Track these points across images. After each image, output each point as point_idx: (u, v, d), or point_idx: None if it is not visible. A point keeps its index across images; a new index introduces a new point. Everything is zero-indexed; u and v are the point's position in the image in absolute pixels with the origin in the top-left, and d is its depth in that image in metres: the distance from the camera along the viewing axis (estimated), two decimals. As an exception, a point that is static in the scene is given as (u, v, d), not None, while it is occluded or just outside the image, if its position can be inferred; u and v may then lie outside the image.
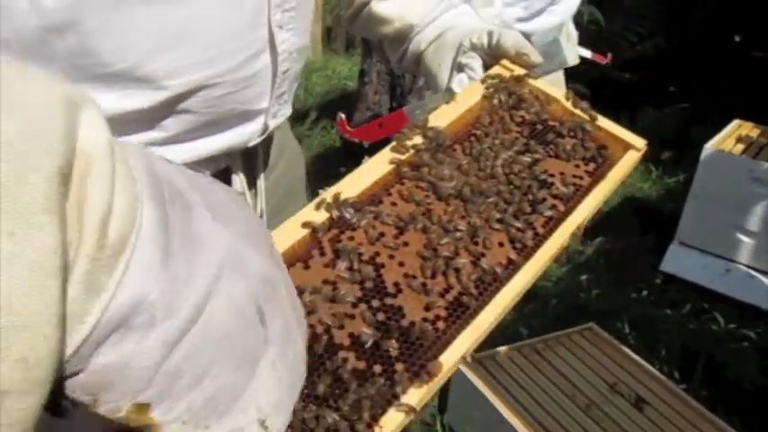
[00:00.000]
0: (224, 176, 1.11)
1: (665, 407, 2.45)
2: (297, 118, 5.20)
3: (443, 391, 2.63)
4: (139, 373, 0.46)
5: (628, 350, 2.69)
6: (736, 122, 3.82)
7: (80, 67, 0.82)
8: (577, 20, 4.92)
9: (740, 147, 3.57)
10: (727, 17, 4.76)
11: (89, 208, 0.43)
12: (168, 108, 0.91)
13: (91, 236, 0.43)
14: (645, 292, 3.35)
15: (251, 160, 1.17)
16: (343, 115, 1.39)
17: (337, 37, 6.88)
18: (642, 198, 4.10)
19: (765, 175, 3.30)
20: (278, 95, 1.05)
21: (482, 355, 2.59)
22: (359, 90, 4.59)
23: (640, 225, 3.86)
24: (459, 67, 1.26)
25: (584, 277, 3.36)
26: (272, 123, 1.08)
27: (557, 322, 2.96)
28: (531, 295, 3.27)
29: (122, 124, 0.89)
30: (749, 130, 3.76)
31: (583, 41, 4.93)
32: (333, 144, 4.81)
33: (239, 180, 1.13)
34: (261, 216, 1.20)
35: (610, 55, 2.75)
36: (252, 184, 1.19)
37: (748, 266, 3.41)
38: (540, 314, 3.12)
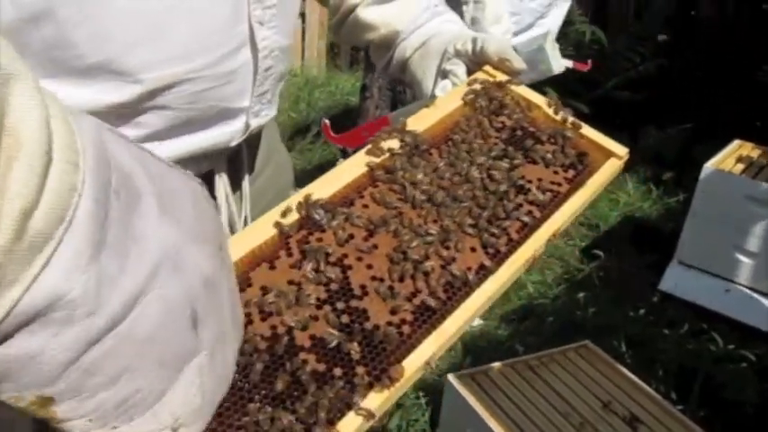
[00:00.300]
0: (207, 179, 1.10)
1: (660, 426, 2.40)
2: (298, 132, 5.21)
3: (435, 408, 2.60)
4: (48, 367, 0.45)
5: (623, 368, 2.65)
6: (736, 142, 3.80)
7: (57, 60, 0.81)
8: (580, 39, 4.95)
9: (740, 166, 3.54)
10: (731, 41, 4.77)
11: (10, 197, 0.41)
12: (146, 103, 0.90)
13: (7, 227, 0.41)
14: (642, 311, 3.31)
15: (236, 164, 1.16)
16: (327, 121, 1.38)
17: (341, 53, 6.91)
18: (642, 217, 4.07)
19: (765, 196, 3.28)
20: (259, 94, 1.04)
21: (475, 371, 2.55)
22: (360, 104, 4.60)
23: (640, 244, 3.83)
24: (443, 74, 1.25)
25: (581, 295, 3.33)
26: (254, 123, 1.06)
27: (553, 340, 2.92)
28: (528, 312, 3.24)
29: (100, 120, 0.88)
30: (749, 150, 3.74)
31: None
32: (333, 158, 4.82)
33: (222, 183, 1.12)
34: (246, 222, 1.19)
35: (590, 61, 2.75)
36: (237, 188, 1.18)
37: (747, 287, 3.37)
38: (536, 331, 3.09)
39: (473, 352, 2.97)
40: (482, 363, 2.55)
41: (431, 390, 2.73)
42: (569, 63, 2.53)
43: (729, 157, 3.63)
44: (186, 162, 1.01)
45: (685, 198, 4.07)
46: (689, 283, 3.47)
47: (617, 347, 3.01)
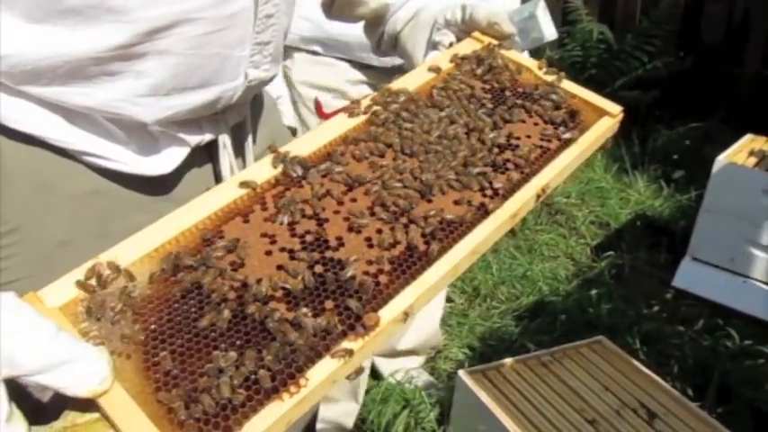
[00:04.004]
0: (212, 152, 1.07)
1: (677, 422, 2.34)
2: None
3: (446, 404, 2.54)
4: None
5: (638, 364, 2.58)
6: (748, 136, 3.73)
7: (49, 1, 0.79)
8: (587, 38, 4.91)
9: (753, 160, 3.47)
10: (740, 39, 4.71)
11: None
12: (146, 45, 0.86)
13: None
14: (656, 308, 3.24)
15: (240, 137, 1.13)
16: (320, 99, 1.36)
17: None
18: (653, 215, 4.00)
19: (779, 189, 3.21)
20: (259, 42, 1.00)
21: (486, 367, 2.50)
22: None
23: (652, 242, 3.76)
24: (433, 45, 1.23)
25: (593, 292, 3.26)
26: (254, 74, 1.02)
27: (565, 337, 2.86)
28: (539, 310, 3.18)
29: (105, 71, 0.86)
30: (762, 143, 3.67)
31: (593, 60, 4.90)
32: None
33: (227, 155, 1.08)
34: None
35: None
36: (242, 165, 1.14)
37: (763, 282, 3.29)
38: (547, 329, 3.03)
39: (483, 349, 2.92)
40: (492, 360, 2.50)
41: (438, 388, 2.68)
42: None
43: (742, 151, 3.57)
44: (189, 127, 0.99)
45: (697, 196, 4.00)
46: (703, 279, 3.40)
47: (631, 344, 2.94)
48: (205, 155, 1.07)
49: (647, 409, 2.39)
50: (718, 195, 3.38)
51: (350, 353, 0.69)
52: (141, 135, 0.94)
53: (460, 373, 2.40)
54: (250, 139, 1.14)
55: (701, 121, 4.73)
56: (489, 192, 0.88)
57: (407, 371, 2.64)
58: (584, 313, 3.16)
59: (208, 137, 1.03)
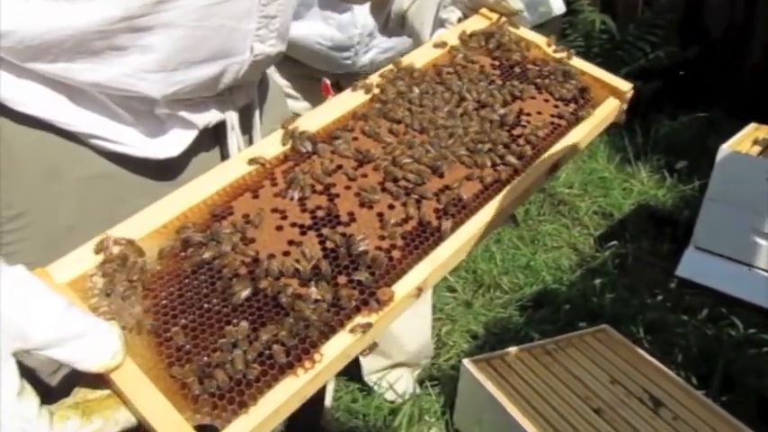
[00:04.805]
0: (220, 134, 1.06)
1: (683, 409, 2.33)
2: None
3: (450, 394, 2.53)
4: None
5: (642, 352, 2.57)
6: (752, 125, 3.71)
7: None
8: (589, 28, 4.89)
9: (757, 149, 3.46)
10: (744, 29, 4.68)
11: None
12: (151, 17, 0.84)
13: None
14: (660, 297, 3.23)
15: (247, 118, 1.11)
16: (327, 80, 1.35)
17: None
18: (656, 205, 3.99)
19: (783, 177, 3.20)
20: (265, 16, 0.99)
21: (491, 355, 2.49)
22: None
23: (655, 232, 3.75)
24: (440, 23, 1.21)
25: (597, 282, 3.25)
26: (259, 49, 1.00)
27: (569, 327, 2.85)
28: (542, 299, 3.17)
29: (112, 45, 0.84)
30: (766, 132, 3.65)
31: (595, 50, 4.87)
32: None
33: (235, 136, 1.07)
34: None
35: None
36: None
37: (767, 271, 3.28)
38: (551, 319, 3.01)
39: (487, 339, 2.91)
40: (496, 350, 2.49)
41: (442, 379, 2.67)
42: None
43: (745, 140, 3.55)
44: (197, 108, 0.97)
45: (700, 186, 3.98)
46: (706, 269, 3.38)
47: (635, 333, 2.93)
48: (212, 139, 1.05)
49: (653, 397, 2.38)
50: (721, 184, 3.36)
51: (365, 327, 0.67)
52: (148, 118, 0.93)
53: (465, 361, 2.38)
54: (258, 122, 1.13)
55: (704, 112, 4.71)
56: (502, 167, 0.87)
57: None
58: (587, 303, 3.14)
59: (216, 118, 1.02)
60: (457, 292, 3.18)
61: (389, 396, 2.56)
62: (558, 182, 3.99)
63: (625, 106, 1.03)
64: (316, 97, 1.73)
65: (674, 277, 3.40)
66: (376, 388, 2.55)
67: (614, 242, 3.60)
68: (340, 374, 2.45)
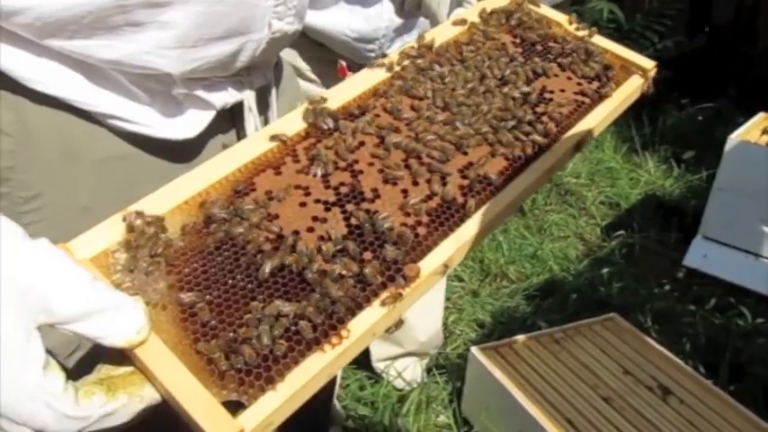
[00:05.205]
0: (237, 116, 1.05)
1: (691, 397, 2.32)
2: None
3: (458, 381, 2.53)
4: None
5: (651, 340, 2.56)
6: (761, 115, 3.69)
7: None
8: (597, 17, 4.86)
9: (766, 138, 3.44)
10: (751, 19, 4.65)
11: None
12: None
13: None
14: (668, 287, 3.21)
15: (264, 101, 1.10)
16: (343, 62, 1.34)
17: None
18: (664, 195, 3.97)
19: (793, 166, 3.17)
20: None
21: (499, 343, 2.48)
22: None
23: (662, 221, 3.73)
24: (458, 3, 1.20)
25: (604, 271, 3.24)
26: (277, 26, 0.98)
27: (576, 316, 2.84)
28: (550, 289, 3.16)
29: (130, 21, 0.82)
30: (775, 122, 3.64)
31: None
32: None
33: (252, 118, 1.06)
34: None
35: None
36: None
37: (776, 260, 3.27)
38: (559, 308, 3.00)
39: (494, 328, 2.90)
40: (504, 339, 2.48)
41: (449, 367, 2.66)
42: None
43: (754, 130, 3.53)
44: (215, 88, 0.96)
45: (708, 175, 3.96)
46: (714, 258, 3.37)
47: (642, 323, 2.92)
48: (229, 122, 1.04)
49: (662, 385, 2.37)
50: (730, 174, 3.34)
51: (395, 298, 0.66)
52: (165, 98, 0.92)
53: (473, 349, 2.37)
54: (275, 103, 1.11)
55: (712, 102, 4.68)
56: (526, 145, 0.85)
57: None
58: (595, 292, 3.13)
59: (233, 98, 1.00)
60: (464, 282, 3.17)
61: (397, 384, 2.55)
62: (565, 172, 3.97)
63: (649, 83, 1.01)
64: (333, 82, 1.72)
65: (682, 267, 3.38)
66: (384, 376, 2.55)
67: (621, 232, 3.58)
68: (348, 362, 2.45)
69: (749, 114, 3.68)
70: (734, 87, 4.77)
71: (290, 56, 1.77)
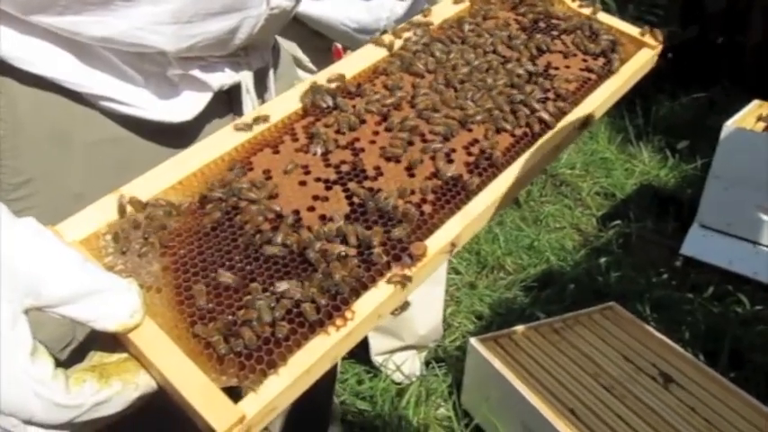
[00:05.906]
0: (234, 98, 1.02)
1: (694, 385, 2.30)
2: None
3: (457, 373, 2.50)
4: None
5: (650, 328, 2.55)
6: (755, 102, 3.68)
7: None
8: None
9: (761, 125, 3.43)
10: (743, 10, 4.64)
11: None
12: None
13: None
14: (665, 276, 3.20)
15: (262, 83, 1.07)
16: (339, 45, 1.31)
17: None
18: (659, 185, 3.95)
19: (789, 153, 3.16)
20: None
21: (498, 334, 2.46)
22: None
23: (658, 211, 3.71)
24: None
25: (602, 260, 3.22)
26: (276, 1, 0.95)
27: (575, 306, 2.82)
28: (548, 279, 3.13)
29: None
30: (769, 109, 3.62)
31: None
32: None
33: (250, 99, 1.02)
34: None
35: None
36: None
37: (773, 247, 3.25)
38: (557, 298, 2.98)
39: (492, 320, 2.88)
40: (497, 327, 2.46)
41: (448, 360, 2.64)
42: None
43: (749, 117, 3.52)
44: (212, 69, 0.92)
45: (702, 165, 3.95)
46: (711, 246, 3.36)
47: (641, 312, 2.90)
48: (226, 105, 1.00)
49: (663, 372, 2.36)
50: (726, 161, 3.33)
51: (403, 279, 0.63)
52: (160, 79, 0.88)
53: (472, 340, 2.35)
54: (273, 86, 1.08)
55: (705, 91, 4.67)
56: (533, 122, 0.83)
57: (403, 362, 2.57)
58: (593, 282, 3.11)
59: (231, 80, 0.96)
60: (461, 274, 3.15)
61: (396, 377, 2.53)
62: (560, 163, 3.95)
63: (655, 60, 0.99)
64: None
65: (679, 255, 3.37)
66: (382, 369, 2.52)
67: (617, 222, 3.57)
68: (346, 356, 2.42)
69: (742, 104, 3.67)
70: (727, 77, 4.76)
71: (289, 47, 1.74)
